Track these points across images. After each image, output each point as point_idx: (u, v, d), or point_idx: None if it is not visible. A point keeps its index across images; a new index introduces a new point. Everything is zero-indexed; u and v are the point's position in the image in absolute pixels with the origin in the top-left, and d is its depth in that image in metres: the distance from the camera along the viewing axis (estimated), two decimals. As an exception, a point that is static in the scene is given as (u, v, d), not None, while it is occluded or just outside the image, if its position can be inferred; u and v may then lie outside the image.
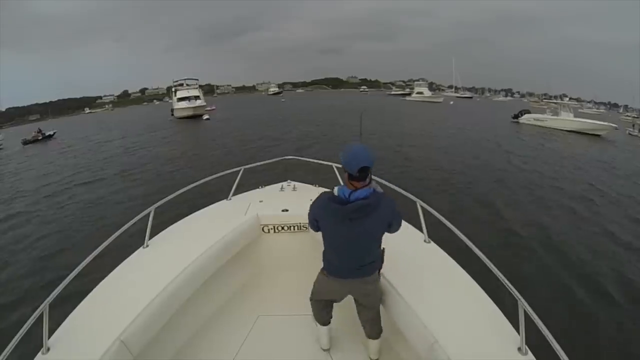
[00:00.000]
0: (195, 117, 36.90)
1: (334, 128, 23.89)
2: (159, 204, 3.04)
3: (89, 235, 7.54)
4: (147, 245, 2.83)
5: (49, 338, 1.87)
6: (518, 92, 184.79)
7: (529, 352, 1.74)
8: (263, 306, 3.02)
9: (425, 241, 2.77)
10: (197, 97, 39.85)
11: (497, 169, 12.61)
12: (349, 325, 2.75)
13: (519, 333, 1.78)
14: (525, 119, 29.87)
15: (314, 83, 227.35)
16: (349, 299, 2.32)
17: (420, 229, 2.84)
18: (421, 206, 2.82)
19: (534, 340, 1.75)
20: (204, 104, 40.13)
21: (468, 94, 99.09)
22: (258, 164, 4.25)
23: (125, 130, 32.90)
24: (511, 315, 1.92)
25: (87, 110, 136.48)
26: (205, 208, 3.60)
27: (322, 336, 2.58)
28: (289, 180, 4.14)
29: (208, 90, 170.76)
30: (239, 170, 3.90)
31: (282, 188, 3.99)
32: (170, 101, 45.82)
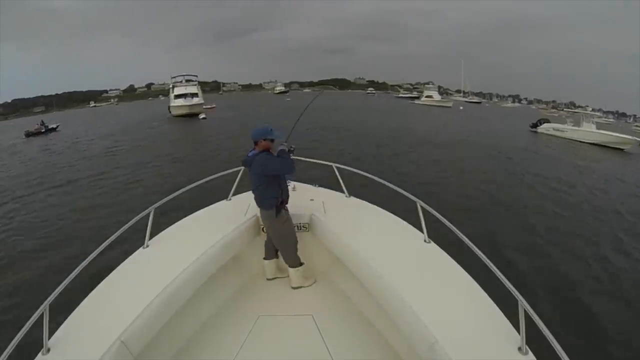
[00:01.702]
0: (192, 115, 34.76)
1: (340, 135, 20.80)
2: (158, 204, 3.04)
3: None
4: (147, 246, 2.84)
5: (49, 338, 1.88)
6: (525, 99, 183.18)
7: (530, 352, 1.74)
8: (263, 306, 3.02)
9: (425, 241, 2.77)
10: (194, 95, 37.56)
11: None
12: (347, 326, 2.76)
13: (519, 333, 1.78)
14: (544, 128, 27.28)
15: (321, 83, 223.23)
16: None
17: (420, 229, 2.84)
18: (421, 206, 2.82)
19: (534, 340, 1.75)
20: (202, 102, 38.13)
21: (476, 99, 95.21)
22: None
23: (119, 126, 31.95)
24: (511, 315, 1.92)
25: (92, 103, 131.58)
26: (205, 208, 3.61)
27: (266, 268, 3.32)
28: (288, 180, 4.10)
29: (214, 87, 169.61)
30: (239, 170, 3.89)
31: None
32: (174, 97, 45.19)
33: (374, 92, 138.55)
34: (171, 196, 3.22)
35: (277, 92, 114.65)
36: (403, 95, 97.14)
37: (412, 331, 2.01)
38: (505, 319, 1.95)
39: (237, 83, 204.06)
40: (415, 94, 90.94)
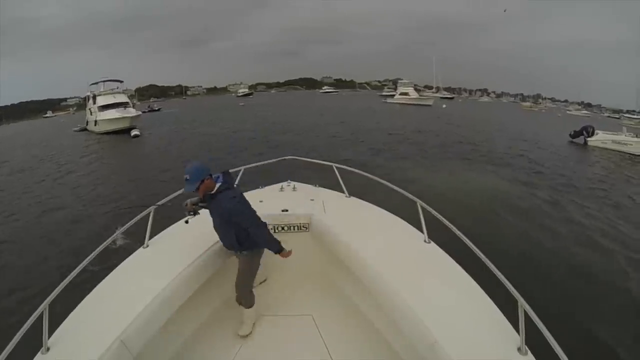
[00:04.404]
0: (124, 131, 26.57)
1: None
2: (159, 203, 3.03)
3: None
4: (147, 245, 2.84)
5: (49, 338, 1.88)
6: (494, 92, 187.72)
7: (529, 352, 1.75)
8: (263, 306, 3.01)
9: (425, 241, 2.78)
10: (126, 105, 29.76)
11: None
12: (347, 326, 2.77)
13: (518, 333, 1.79)
14: (599, 140, 20.45)
15: (288, 83, 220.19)
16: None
17: (420, 229, 2.85)
18: (421, 206, 2.83)
19: (533, 340, 1.75)
20: (139, 113, 30.42)
21: (449, 95, 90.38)
22: (258, 163, 4.27)
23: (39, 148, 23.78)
24: (511, 315, 1.92)
25: (49, 113, 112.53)
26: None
27: (252, 320, 2.82)
28: (289, 180, 4.12)
29: (178, 91, 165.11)
30: (239, 171, 3.89)
31: (282, 188, 3.98)
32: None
33: (330, 90, 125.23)
34: (171, 196, 3.21)
35: (240, 94, 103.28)
36: (386, 94, 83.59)
37: (412, 331, 2.01)
38: (504, 319, 1.96)
39: (201, 86, 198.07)
40: (387, 91, 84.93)
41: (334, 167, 3.92)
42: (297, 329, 2.79)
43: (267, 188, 4.04)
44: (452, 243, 2.61)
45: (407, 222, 3.10)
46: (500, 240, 6.45)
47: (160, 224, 3.09)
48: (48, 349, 1.84)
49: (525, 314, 1.75)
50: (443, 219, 2.60)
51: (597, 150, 19.55)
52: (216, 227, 2.67)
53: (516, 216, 8.20)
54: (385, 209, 3.40)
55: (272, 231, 3.31)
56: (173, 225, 3.20)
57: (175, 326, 2.53)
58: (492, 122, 32.47)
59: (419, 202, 2.85)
